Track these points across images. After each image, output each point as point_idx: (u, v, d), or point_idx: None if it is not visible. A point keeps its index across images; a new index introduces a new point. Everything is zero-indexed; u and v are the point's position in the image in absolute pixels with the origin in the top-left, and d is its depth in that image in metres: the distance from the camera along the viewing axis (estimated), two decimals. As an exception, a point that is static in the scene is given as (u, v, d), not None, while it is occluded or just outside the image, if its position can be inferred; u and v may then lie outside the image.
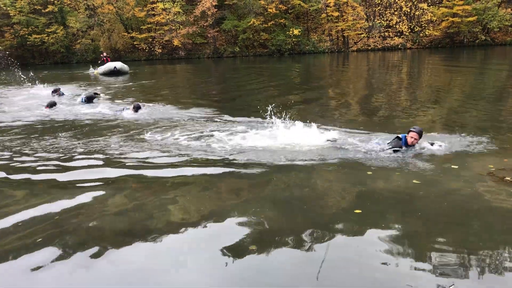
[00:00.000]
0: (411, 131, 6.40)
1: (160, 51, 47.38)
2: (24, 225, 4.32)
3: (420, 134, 6.37)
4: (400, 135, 6.43)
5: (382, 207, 4.51)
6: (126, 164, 6.35)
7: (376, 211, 4.41)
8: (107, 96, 15.47)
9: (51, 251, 3.75)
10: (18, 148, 7.73)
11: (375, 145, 6.48)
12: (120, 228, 4.20)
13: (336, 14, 44.14)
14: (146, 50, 47.70)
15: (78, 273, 3.42)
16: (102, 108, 12.27)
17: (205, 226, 4.15)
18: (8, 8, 47.78)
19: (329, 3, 43.58)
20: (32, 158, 6.94)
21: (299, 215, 4.30)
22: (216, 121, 9.69)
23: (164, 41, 47.30)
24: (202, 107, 12.02)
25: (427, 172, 5.55)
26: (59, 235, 4.07)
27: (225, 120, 9.81)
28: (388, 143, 6.42)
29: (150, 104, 12.52)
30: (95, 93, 14.79)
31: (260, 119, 9.41)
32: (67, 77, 27.89)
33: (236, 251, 3.66)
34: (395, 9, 44.88)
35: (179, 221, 4.32)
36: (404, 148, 6.28)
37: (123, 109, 11.43)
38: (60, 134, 8.87)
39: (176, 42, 45.83)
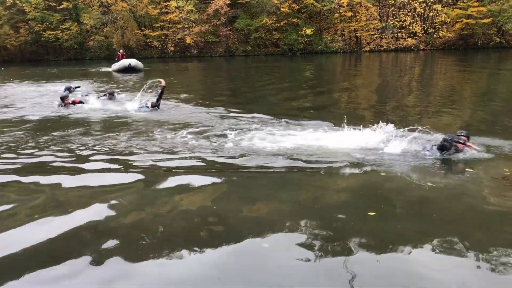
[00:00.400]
0: (460, 135, 6.21)
1: (173, 49, 47.57)
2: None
3: (468, 138, 6.23)
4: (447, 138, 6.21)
5: (397, 210, 4.50)
6: (148, 162, 6.36)
7: (390, 213, 4.40)
8: (126, 94, 15.35)
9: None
10: (28, 145, 7.82)
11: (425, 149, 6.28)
12: (135, 226, 4.24)
13: (349, 14, 43.97)
14: (159, 48, 47.92)
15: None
16: (125, 106, 12.05)
17: (219, 224, 4.18)
18: (24, 4, 48.33)
19: (342, 3, 43.41)
20: (45, 154, 7.03)
21: (312, 215, 4.30)
22: (238, 120, 9.62)
23: (177, 39, 47.49)
24: (224, 105, 11.91)
25: (442, 174, 5.53)
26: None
27: (246, 118, 9.73)
28: (434, 145, 6.26)
29: (169, 103, 12.43)
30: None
31: (281, 118, 9.43)
32: (80, 74, 28.09)
33: (248, 248, 3.68)
34: (409, 10, 44.58)
35: (195, 217, 4.35)
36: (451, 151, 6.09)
37: (143, 107, 11.28)
38: (74, 131, 8.92)
39: (188, 40, 45.98)
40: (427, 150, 6.22)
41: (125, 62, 27.21)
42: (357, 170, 5.66)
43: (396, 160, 6.03)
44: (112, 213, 4.45)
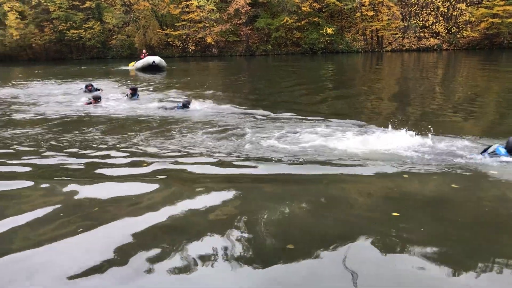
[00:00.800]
0: None
1: (194, 48, 47.89)
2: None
3: None
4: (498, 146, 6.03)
5: (420, 211, 4.44)
6: (179, 161, 6.35)
7: (413, 215, 4.34)
8: (155, 93, 15.34)
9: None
10: (57, 143, 7.93)
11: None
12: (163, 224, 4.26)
13: (371, 13, 43.59)
14: (180, 47, 48.29)
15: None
16: (155, 105, 12.00)
17: (242, 224, 4.17)
18: (48, 4, 49.27)
19: (364, 2, 43.06)
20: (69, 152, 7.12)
21: (335, 215, 4.27)
22: (264, 120, 9.51)
23: (198, 39, 47.78)
24: (249, 105, 11.84)
25: (466, 177, 5.42)
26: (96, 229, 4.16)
27: (272, 118, 9.63)
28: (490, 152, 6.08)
29: (200, 101, 12.32)
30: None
31: (305, 118, 9.37)
32: (102, 72, 28.45)
33: (272, 250, 3.67)
34: (432, 9, 43.96)
35: (218, 218, 4.35)
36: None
37: (176, 106, 11.15)
38: (96, 130, 8.98)
39: (209, 40, 46.23)
40: (487, 153, 6.01)
41: (149, 59, 26.99)
42: (382, 171, 5.59)
43: (423, 162, 5.94)
44: (135, 215, 4.47)
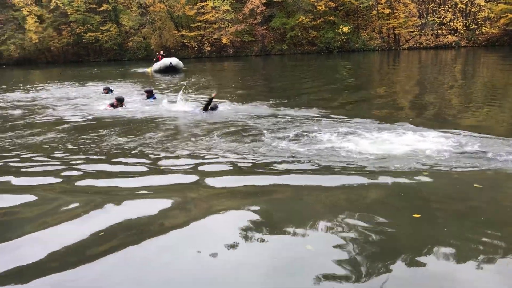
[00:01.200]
0: None
1: (209, 49, 48.07)
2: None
3: None
4: None
5: (444, 212, 4.35)
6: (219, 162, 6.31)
7: (436, 216, 4.26)
8: (174, 94, 15.31)
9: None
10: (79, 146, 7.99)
11: None
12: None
13: (387, 11, 43.19)
14: (195, 48, 48.50)
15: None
16: (180, 107, 11.77)
17: (261, 225, 4.13)
18: (66, 7, 49.95)
19: (380, 0, 42.70)
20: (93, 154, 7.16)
21: (355, 216, 4.21)
22: (285, 120, 9.40)
23: (213, 39, 47.92)
24: (270, 105, 11.77)
25: (489, 176, 5.30)
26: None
27: (294, 118, 9.54)
28: None
29: (222, 102, 12.20)
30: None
31: (325, 117, 9.31)
32: (119, 74, 28.70)
33: (292, 250, 3.63)
34: (450, 6, 43.36)
35: (235, 221, 4.33)
36: None
37: (201, 108, 10.97)
38: (113, 133, 9.00)
39: (224, 40, 46.35)
40: None
41: (166, 61, 26.99)
42: (403, 171, 5.49)
43: (444, 161, 5.83)
44: (151, 217, 4.46)
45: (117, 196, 5.02)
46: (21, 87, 21.35)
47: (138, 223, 4.24)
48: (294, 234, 3.89)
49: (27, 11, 51.02)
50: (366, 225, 4.04)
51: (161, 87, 18.95)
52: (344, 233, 3.88)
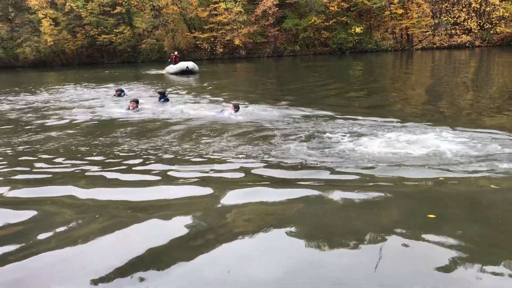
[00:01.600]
0: None
1: (222, 50, 48.22)
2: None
3: None
4: None
5: (458, 213, 4.36)
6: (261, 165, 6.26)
7: (451, 217, 4.26)
8: (195, 96, 15.27)
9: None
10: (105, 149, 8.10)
11: None
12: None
13: (400, 11, 42.96)
14: (208, 50, 48.69)
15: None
16: (201, 110, 11.76)
17: (284, 230, 4.19)
18: (80, 10, 50.48)
19: (393, 0, 42.47)
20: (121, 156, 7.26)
21: (368, 216, 4.23)
22: (318, 121, 9.36)
23: (226, 41, 48.07)
24: (288, 106, 11.76)
25: (507, 177, 5.30)
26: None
27: (325, 120, 9.43)
28: None
29: (240, 104, 11.97)
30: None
31: (345, 119, 9.31)
32: (132, 76, 28.91)
33: (309, 252, 3.67)
34: (464, 5, 42.99)
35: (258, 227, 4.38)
36: None
37: (223, 110, 10.87)
38: (128, 135, 8.97)
39: (237, 42, 46.48)
40: None
41: (183, 65, 27.11)
42: (419, 171, 5.50)
43: (461, 161, 5.82)
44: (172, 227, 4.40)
45: (134, 206, 5.13)
46: (36, 89, 21.64)
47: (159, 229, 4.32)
48: (311, 238, 3.91)
49: (43, 14, 51.67)
50: (377, 224, 4.06)
51: (173, 88, 19.06)
52: (356, 233, 3.91)
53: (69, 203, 4.96)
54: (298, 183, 5.34)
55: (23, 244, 3.91)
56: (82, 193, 5.19)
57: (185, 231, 4.03)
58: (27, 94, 19.52)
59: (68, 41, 52.77)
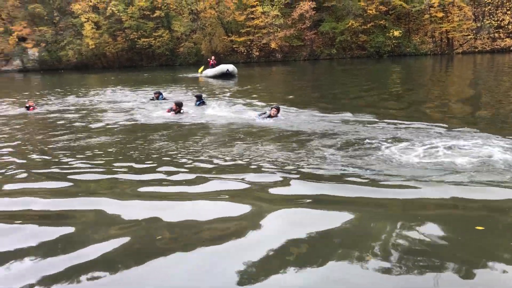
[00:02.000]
0: None
1: (258, 53, 48.43)
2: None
3: None
4: None
5: (508, 225, 4.18)
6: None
7: (500, 228, 4.09)
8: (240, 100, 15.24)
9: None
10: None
11: None
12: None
13: (440, 14, 42.05)
14: (244, 53, 48.98)
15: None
16: (238, 113, 11.67)
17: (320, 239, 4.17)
18: (121, 14, 51.77)
19: (433, 3, 41.62)
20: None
21: (415, 227, 4.09)
22: (367, 126, 9.14)
23: (262, 44, 48.24)
24: (326, 110, 11.62)
25: None
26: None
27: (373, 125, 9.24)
28: None
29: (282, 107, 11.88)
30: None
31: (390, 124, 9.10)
32: (169, 79, 29.29)
33: (351, 261, 3.61)
34: (508, 8, 41.68)
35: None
36: None
37: (265, 113, 10.66)
38: (169, 138, 9.04)
39: (273, 45, 46.58)
40: None
41: (223, 67, 26.98)
42: (467, 181, 5.26)
43: (497, 171, 5.59)
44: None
45: (174, 201, 5.21)
46: (78, 92, 22.29)
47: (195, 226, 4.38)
48: (350, 247, 3.81)
49: (85, 18, 53.26)
50: (425, 234, 3.94)
51: (210, 92, 19.23)
52: (404, 247, 3.77)
53: (102, 217, 4.85)
54: (339, 201, 4.97)
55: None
56: (116, 206, 5.07)
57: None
58: (69, 96, 20.12)
59: (109, 45, 54.15)
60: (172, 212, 4.77)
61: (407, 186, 5.21)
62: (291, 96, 16.14)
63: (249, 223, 4.34)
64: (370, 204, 4.76)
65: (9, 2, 57.48)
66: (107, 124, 11.31)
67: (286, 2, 47.02)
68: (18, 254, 3.90)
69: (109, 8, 52.26)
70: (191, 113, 12.21)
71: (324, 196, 5.02)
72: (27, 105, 15.05)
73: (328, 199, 4.93)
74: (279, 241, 3.84)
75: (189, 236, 4.13)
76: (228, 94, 17.47)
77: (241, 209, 4.72)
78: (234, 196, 5.19)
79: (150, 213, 4.67)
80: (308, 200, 4.87)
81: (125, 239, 4.05)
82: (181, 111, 12.08)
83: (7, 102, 18.53)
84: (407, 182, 5.31)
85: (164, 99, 16.04)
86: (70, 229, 4.40)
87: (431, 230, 4.01)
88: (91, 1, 54.08)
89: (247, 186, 5.53)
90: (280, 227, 4.17)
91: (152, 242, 4.00)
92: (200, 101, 13.74)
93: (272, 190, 5.29)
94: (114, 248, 3.88)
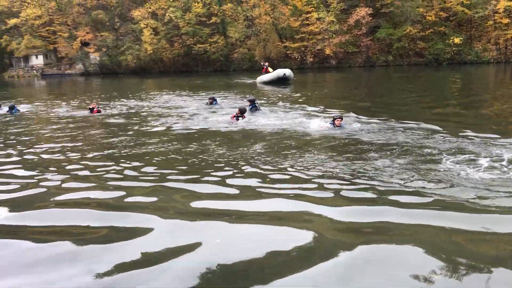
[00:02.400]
0: None
1: (312, 60, 48.10)
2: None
3: None
4: None
5: None
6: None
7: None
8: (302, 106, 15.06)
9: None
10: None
11: None
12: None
13: (505, 21, 40.12)
14: (298, 59, 48.80)
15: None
16: (292, 120, 11.60)
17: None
18: (178, 20, 53.16)
19: (498, 9, 39.79)
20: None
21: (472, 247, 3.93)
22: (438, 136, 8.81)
23: (316, 50, 47.91)
24: (391, 118, 11.34)
25: None
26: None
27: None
28: None
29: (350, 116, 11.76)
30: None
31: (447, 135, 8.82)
32: (223, 85, 29.60)
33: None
34: None
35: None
36: None
37: (332, 122, 10.41)
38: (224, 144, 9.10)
39: (328, 51, 46.13)
40: None
41: (279, 72, 26.61)
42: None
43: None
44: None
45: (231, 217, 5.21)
46: (136, 95, 22.99)
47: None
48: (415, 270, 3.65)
49: (144, 24, 55.13)
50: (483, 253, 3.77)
51: (265, 97, 19.23)
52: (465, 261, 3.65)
53: (168, 212, 5.15)
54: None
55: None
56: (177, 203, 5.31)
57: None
58: (130, 99, 20.78)
59: (166, 50, 55.70)
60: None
61: (484, 209, 4.85)
62: (347, 104, 15.83)
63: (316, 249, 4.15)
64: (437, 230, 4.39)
65: (74, 9, 60.50)
66: (162, 129, 11.62)
67: (342, 8, 46.51)
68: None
69: (167, 14, 53.82)
70: (247, 119, 12.21)
71: (386, 223, 4.62)
72: (90, 107, 15.65)
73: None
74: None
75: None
76: (282, 100, 17.44)
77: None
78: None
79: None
80: (368, 229, 4.53)
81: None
82: (244, 117, 12.07)
83: (72, 103, 19.41)
84: (471, 199, 5.05)
85: (218, 104, 16.23)
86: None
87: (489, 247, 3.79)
88: (150, 8, 55.92)
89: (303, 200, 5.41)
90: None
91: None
92: (253, 105, 13.67)
93: (329, 213, 4.94)
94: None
